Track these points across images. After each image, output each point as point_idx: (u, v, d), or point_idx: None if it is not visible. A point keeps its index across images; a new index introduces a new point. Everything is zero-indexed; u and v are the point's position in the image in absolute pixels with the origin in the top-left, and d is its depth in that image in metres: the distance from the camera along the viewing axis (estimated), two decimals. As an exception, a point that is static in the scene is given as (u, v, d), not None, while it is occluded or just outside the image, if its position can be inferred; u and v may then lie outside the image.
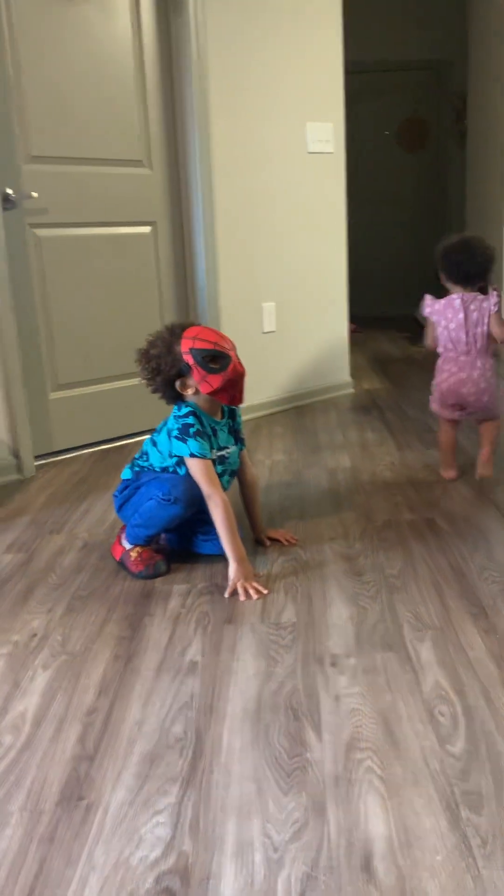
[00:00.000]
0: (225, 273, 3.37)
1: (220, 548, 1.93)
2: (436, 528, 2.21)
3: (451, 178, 6.62)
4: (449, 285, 2.52)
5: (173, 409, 1.96)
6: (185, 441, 1.89)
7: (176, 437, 1.90)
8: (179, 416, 1.92)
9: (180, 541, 2.11)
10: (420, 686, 1.47)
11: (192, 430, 1.89)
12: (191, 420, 1.90)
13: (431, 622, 1.70)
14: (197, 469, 1.89)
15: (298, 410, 3.72)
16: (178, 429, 1.90)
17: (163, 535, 2.13)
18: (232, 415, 2.07)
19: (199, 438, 1.89)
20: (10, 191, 2.75)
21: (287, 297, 3.66)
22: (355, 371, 4.46)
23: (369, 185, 6.70)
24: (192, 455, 1.89)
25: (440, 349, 2.57)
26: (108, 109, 2.99)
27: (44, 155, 2.84)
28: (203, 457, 1.89)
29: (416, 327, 5.77)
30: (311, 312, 3.79)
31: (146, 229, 3.19)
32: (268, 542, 2.15)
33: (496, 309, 2.43)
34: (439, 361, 2.59)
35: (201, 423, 1.93)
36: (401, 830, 1.13)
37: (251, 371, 3.55)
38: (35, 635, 1.73)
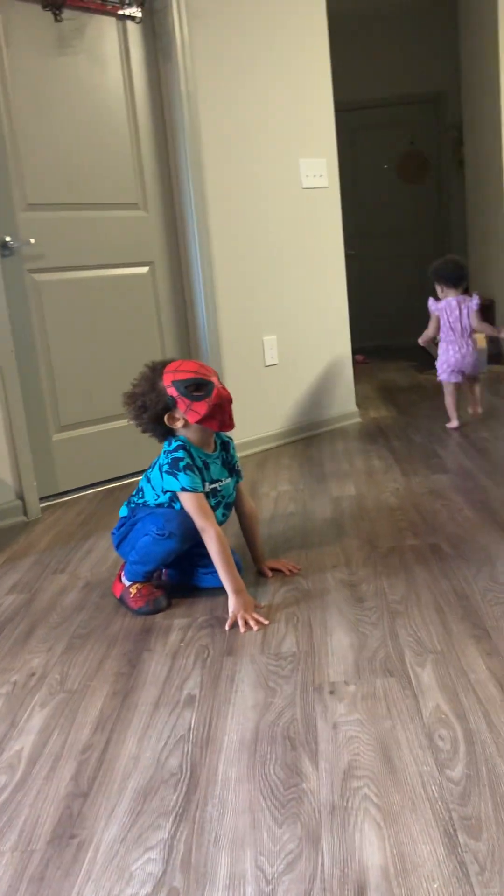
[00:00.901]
0: (224, 309, 3.41)
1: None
2: (440, 553, 2.18)
3: (453, 208, 6.68)
4: (444, 290, 3.63)
5: (164, 445, 1.97)
6: (175, 476, 1.89)
7: (167, 472, 1.90)
8: (169, 451, 1.92)
9: (181, 575, 2.11)
10: (420, 711, 1.44)
11: (181, 465, 1.89)
12: (180, 454, 1.91)
13: (433, 646, 1.67)
14: (189, 503, 1.89)
15: (305, 442, 3.72)
16: (168, 463, 1.90)
17: (164, 571, 2.13)
18: (225, 447, 2.07)
19: (189, 472, 1.89)
20: (8, 238, 2.81)
21: (288, 329, 3.68)
22: (362, 400, 4.47)
23: (372, 219, 6.78)
24: (183, 489, 1.89)
25: (442, 335, 3.62)
26: (103, 155, 3.06)
27: (40, 202, 2.91)
28: (195, 490, 1.89)
29: (423, 356, 5.78)
30: (314, 344, 3.81)
31: (144, 270, 3.24)
32: (269, 573, 2.13)
33: (476, 308, 3.58)
34: (443, 345, 3.64)
35: (191, 456, 1.93)
36: (397, 858, 1.09)
37: (255, 404, 3.60)
38: (34, 674, 1.72)
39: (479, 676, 1.53)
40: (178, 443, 1.93)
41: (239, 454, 3.35)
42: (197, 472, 1.92)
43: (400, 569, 2.10)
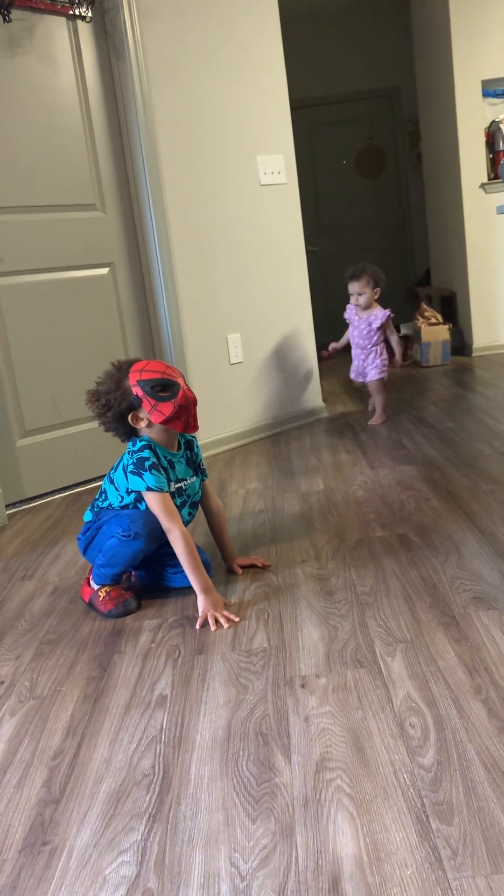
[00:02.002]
0: (187, 308, 3.39)
1: (190, 580, 1.91)
2: (408, 543, 2.20)
3: (412, 202, 6.72)
4: (375, 293, 3.74)
5: (128, 445, 1.96)
6: (140, 475, 1.88)
7: (132, 472, 1.89)
8: (134, 451, 1.91)
9: (151, 576, 2.09)
10: (391, 700, 1.45)
11: (147, 464, 1.88)
12: (146, 454, 1.89)
13: (402, 636, 1.68)
14: (155, 503, 1.88)
15: (273, 438, 3.72)
16: (134, 463, 1.89)
17: (133, 573, 2.12)
18: (189, 446, 2.06)
19: (154, 472, 1.88)
20: (-37, 243, 2.78)
21: (252, 327, 3.68)
22: (329, 395, 4.49)
23: (334, 214, 6.80)
24: (148, 489, 1.87)
25: (381, 338, 3.81)
26: (58, 156, 3.03)
27: (-5, 206, 2.87)
28: (160, 490, 1.88)
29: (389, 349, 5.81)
30: (278, 341, 3.81)
31: (104, 271, 3.21)
32: (240, 570, 2.13)
33: None
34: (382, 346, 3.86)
35: (157, 455, 1.92)
36: (370, 847, 1.10)
37: (221, 402, 3.60)
38: (3, 682, 1.70)
39: (448, 663, 1.54)
40: (143, 442, 1.92)
41: (206, 453, 3.36)
42: (162, 472, 1.91)
43: (369, 560, 2.11)
